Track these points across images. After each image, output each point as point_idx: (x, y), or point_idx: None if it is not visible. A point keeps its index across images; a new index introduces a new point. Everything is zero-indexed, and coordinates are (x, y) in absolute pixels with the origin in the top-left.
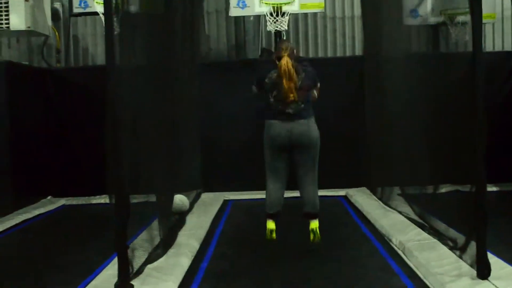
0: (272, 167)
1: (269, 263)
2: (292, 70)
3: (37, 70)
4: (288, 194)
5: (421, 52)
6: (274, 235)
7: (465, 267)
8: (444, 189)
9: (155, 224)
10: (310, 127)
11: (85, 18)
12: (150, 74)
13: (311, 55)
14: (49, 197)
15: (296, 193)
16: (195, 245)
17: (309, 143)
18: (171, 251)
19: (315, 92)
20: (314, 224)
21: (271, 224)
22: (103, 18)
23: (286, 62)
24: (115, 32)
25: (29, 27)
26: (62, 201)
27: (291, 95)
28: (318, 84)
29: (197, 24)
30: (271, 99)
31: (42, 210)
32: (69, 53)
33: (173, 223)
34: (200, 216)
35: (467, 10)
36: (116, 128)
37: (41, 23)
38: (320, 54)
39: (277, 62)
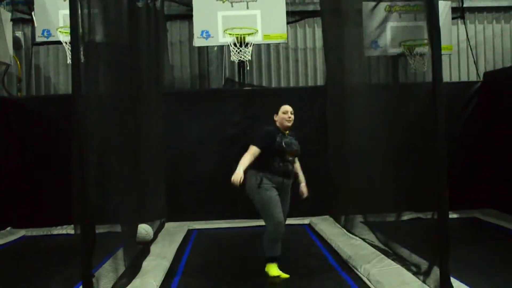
0: None
1: None
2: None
3: None
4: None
5: (382, 83)
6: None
7: None
8: (406, 216)
9: (119, 253)
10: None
11: (47, 47)
12: (114, 103)
13: (273, 85)
14: (8, 228)
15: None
16: (160, 275)
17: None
18: (136, 281)
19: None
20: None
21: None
22: (66, 47)
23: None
24: (81, 61)
25: None
26: (22, 232)
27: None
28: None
29: (161, 54)
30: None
31: (1, 241)
32: (30, 82)
33: (138, 253)
34: (165, 245)
35: (425, 41)
36: (82, 157)
37: (2, 52)
38: (283, 84)
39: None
